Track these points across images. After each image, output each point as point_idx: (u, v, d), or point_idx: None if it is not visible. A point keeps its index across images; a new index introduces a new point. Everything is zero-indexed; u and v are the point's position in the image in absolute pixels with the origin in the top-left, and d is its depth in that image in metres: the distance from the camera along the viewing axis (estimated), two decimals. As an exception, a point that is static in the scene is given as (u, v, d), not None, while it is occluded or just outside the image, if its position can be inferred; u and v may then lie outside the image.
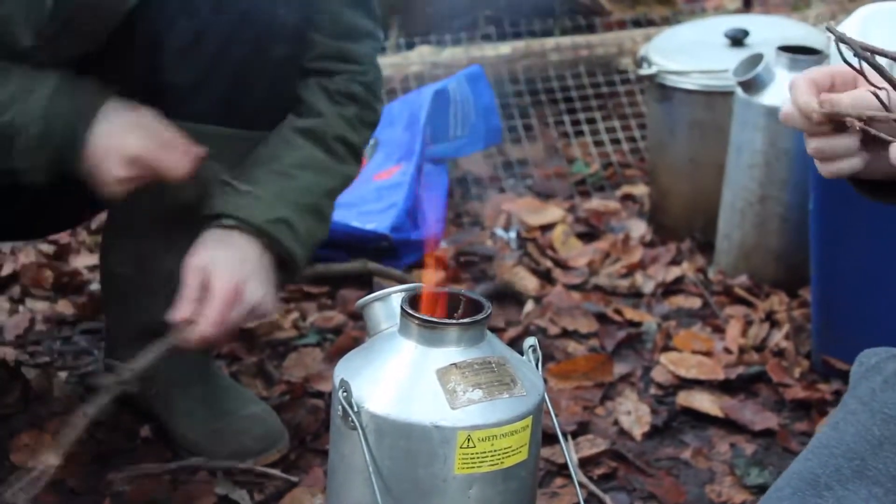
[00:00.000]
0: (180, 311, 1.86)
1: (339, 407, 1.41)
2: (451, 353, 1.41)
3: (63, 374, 2.38)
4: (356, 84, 2.04)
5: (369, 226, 2.86)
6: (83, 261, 2.88)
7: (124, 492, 2.05)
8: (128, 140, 1.82)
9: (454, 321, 1.42)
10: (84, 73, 1.85)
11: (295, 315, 2.66)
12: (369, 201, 2.94)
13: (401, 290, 1.50)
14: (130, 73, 1.91)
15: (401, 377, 1.41)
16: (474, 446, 1.38)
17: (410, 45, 3.90)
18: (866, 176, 1.49)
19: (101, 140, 1.80)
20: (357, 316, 2.65)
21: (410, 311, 1.43)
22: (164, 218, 1.99)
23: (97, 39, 1.85)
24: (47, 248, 2.91)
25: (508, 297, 2.73)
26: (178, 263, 1.89)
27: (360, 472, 1.41)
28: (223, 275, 1.86)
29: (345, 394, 1.40)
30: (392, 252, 2.86)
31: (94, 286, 2.74)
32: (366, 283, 2.75)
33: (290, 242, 1.92)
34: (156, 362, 1.91)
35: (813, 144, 1.41)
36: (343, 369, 1.45)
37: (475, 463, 1.39)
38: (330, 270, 2.10)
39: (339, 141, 2.01)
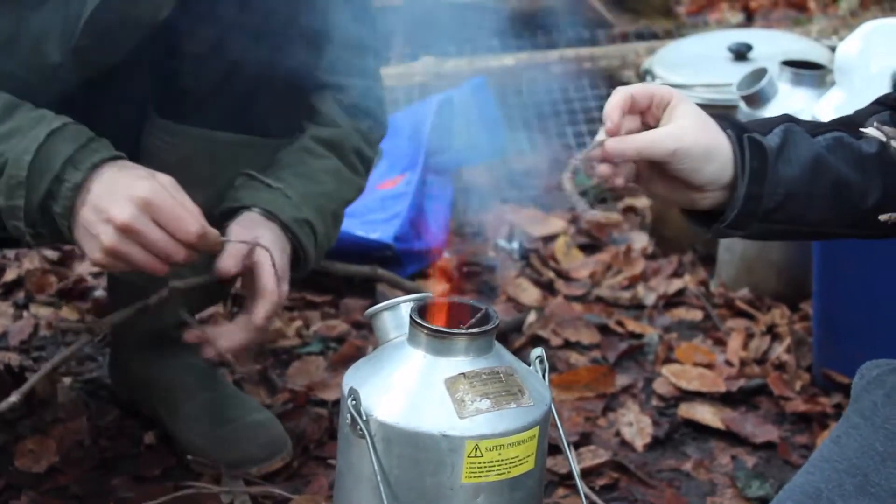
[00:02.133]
0: (225, 265, 1.83)
1: (348, 415, 1.41)
2: (459, 363, 1.42)
3: (67, 380, 2.38)
4: (370, 99, 2.07)
5: (373, 235, 2.87)
6: (87, 267, 2.89)
7: (128, 498, 2.05)
8: (138, 183, 1.69)
9: (463, 331, 1.43)
10: (101, 85, 1.85)
11: (298, 323, 2.66)
12: (373, 211, 2.95)
13: (409, 300, 1.51)
14: (147, 80, 1.92)
15: (409, 386, 1.42)
16: (482, 455, 1.39)
17: (414, 56, 3.91)
18: (688, 207, 1.54)
19: (105, 184, 1.69)
20: (360, 325, 2.66)
21: (419, 321, 1.44)
22: None
23: (123, 52, 1.85)
24: (52, 254, 2.92)
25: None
26: (183, 271, 1.90)
27: (367, 480, 1.42)
28: (274, 251, 1.85)
29: (353, 402, 1.41)
30: (395, 261, 2.86)
31: (99, 292, 2.75)
32: (369, 292, 2.76)
33: (309, 245, 1.92)
34: (131, 316, 1.91)
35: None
36: (352, 378, 1.46)
37: (482, 472, 1.40)
38: (340, 270, 2.11)
39: (356, 154, 2.03)
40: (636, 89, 1.51)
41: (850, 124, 1.56)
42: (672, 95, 1.52)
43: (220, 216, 1.90)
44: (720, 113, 1.56)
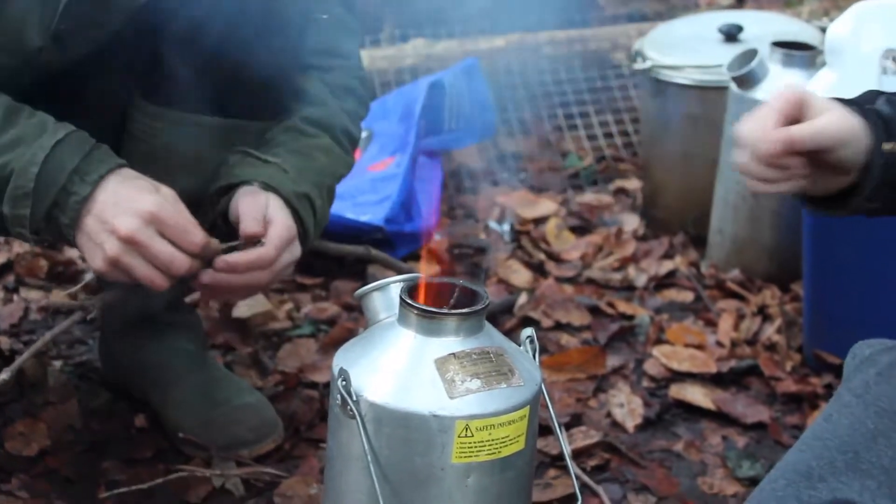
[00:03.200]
0: (250, 226, 1.81)
1: (338, 396, 1.41)
2: (449, 343, 1.42)
3: (58, 364, 2.38)
4: (353, 79, 2.06)
5: (364, 217, 2.86)
6: (78, 251, 2.88)
7: (119, 480, 2.05)
8: (143, 196, 1.70)
9: (453, 311, 1.43)
10: (85, 69, 1.84)
11: (289, 306, 2.66)
12: (364, 193, 2.94)
13: (399, 281, 1.51)
14: (131, 65, 1.91)
15: (399, 367, 1.42)
16: (472, 435, 1.39)
17: (405, 38, 3.90)
18: (809, 192, 1.55)
19: (110, 195, 1.70)
20: (351, 307, 2.66)
21: (409, 301, 1.43)
22: None
23: (104, 36, 1.84)
24: (42, 237, 2.91)
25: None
26: None
27: (358, 460, 1.42)
28: (283, 214, 1.84)
29: (344, 383, 1.41)
30: (386, 243, 2.86)
31: (89, 276, 2.74)
32: (360, 274, 2.76)
33: (309, 219, 1.90)
34: (125, 294, 1.90)
35: (761, 171, 1.49)
36: (342, 358, 1.45)
37: (473, 452, 1.40)
38: (333, 249, 2.10)
39: (344, 133, 2.02)
40: (780, 104, 1.50)
41: None
42: (801, 100, 1.52)
43: (216, 193, 1.89)
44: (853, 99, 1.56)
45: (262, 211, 1.82)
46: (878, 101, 1.54)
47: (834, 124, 1.49)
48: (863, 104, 1.54)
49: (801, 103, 1.51)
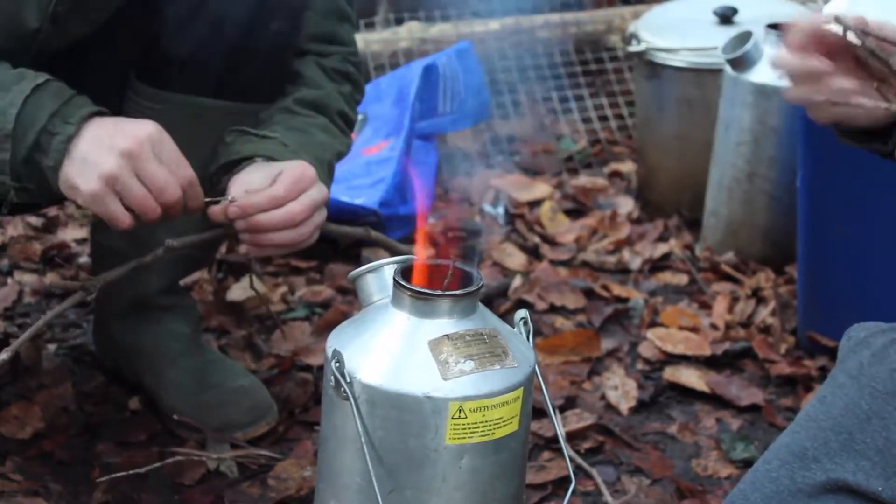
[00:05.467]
0: (254, 184, 1.81)
1: (332, 377, 1.41)
2: (443, 325, 1.42)
3: (52, 347, 2.38)
4: (349, 64, 2.07)
5: (358, 200, 2.86)
6: (71, 234, 2.89)
7: (113, 463, 2.05)
8: (140, 123, 1.70)
9: (446, 293, 1.43)
10: (83, 51, 1.84)
11: (283, 289, 2.66)
12: (358, 176, 2.94)
13: (393, 262, 1.50)
14: (128, 47, 1.90)
15: (393, 348, 1.41)
16: (466, 417, 1.39)
17: (399, 21, 3.89)
18: (848, 124, 1.53)
19: (105, 126, 1.68)
20: (345, 290, 2.66)
21: (403, 283, 1.43)
22: None
23: (102, 18, 1.83)
24: (35, 220, 2.91)
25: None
26: (170, 236, 1.89)
27: (351, 442, 1.42)
28: (295, 164, 1.84)
29: (337, 364, 1.40)
30: (380, 227, 2.86)
31: (83, 259, 2.75)
32: (354, 258, 2.76)
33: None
34: (123, 274, 1.90)
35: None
36: (336, 340, 1.45)
37: (466, 434, 1.40)
38: (333, 230, 2.09)
39: (340, 115, 2.02)
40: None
41: None
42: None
43: (216, 173, 1.89)
44: None
45: (271, 176, 1.81)
46: None
47: None
48: None
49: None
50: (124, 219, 1.70)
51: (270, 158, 1.85)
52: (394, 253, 2.07)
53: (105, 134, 1.67)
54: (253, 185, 1.81)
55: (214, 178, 1.89)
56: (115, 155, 1.65)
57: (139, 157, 1.66)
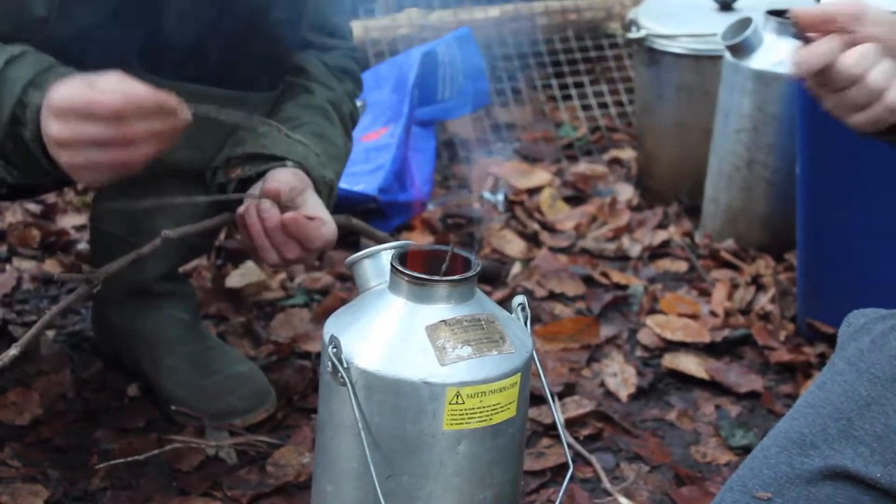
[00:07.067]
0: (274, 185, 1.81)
1: (329, 363, 1.41)
2: (440, 310, 1.42)
3: (50, 333, 2.38)
4: (350, 60, 2.08)
5: (357, 187, 2.86)
6: (70, 220, 2.88)
7: (112, 449, 2.05)
8: (55, 93, 1.54)
9: (443, 278, 1.42)
10: (85, 40, 1.83)
11: (282, 276, 2.66)
12: (357, 163, 2.93)
13: (390, 248, 1.50)
14: (131, 35, 1.90)
15: (390, 334, 1.41)
16: (463, 402, 1.39)
17: (399, 7, 3.88)
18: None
19: (78, 81, 1.55)
20: (344, 276, 2.66)
21: (400, 268, 1.43)
22: (157, 178, 1.99)
23: (108, 7, 1.82)
24: (34, 207, 2.91)
25: (490, 277, 2.72)
26: (169, 224, 1.89)
27: (348, 427, 1.42)
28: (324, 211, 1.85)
29: (334, 350, 1.40)
30: (380, 213, 2.86)
31: (82, 245, 2.74)
32: (353, 245, 2.75)
33: (329, 206, 1.91)
34: (124, 266, 1.89)
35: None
36: (333, 325, 1.45)
37: (464, 419, 1.40)
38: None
39: (350, 117, 2.06)
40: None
41: None
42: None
43: (238, 158, 1.90)
44: None
45: (301, 187, 1.82)
46: None
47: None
48: None
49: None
50: (100, 176, 1.56)
51: (300, 165, 1.87)
52: (375, 241, 2.08)
53: (77, 85, 1.54)
54: (291, 189, 1.82)
55: (233, 161, 1.89)
56: (56, 118, 1.53)
57: (78, 112, 1.52)
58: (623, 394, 2.31)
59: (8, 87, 1.60)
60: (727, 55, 2.80)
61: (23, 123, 1.60)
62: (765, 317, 2.59)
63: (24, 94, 1.59)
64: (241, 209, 1.85)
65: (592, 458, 2.10)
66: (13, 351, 1.73)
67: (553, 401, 1.66)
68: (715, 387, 2.36)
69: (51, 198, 2.94)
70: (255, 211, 1.82)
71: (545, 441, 2.15)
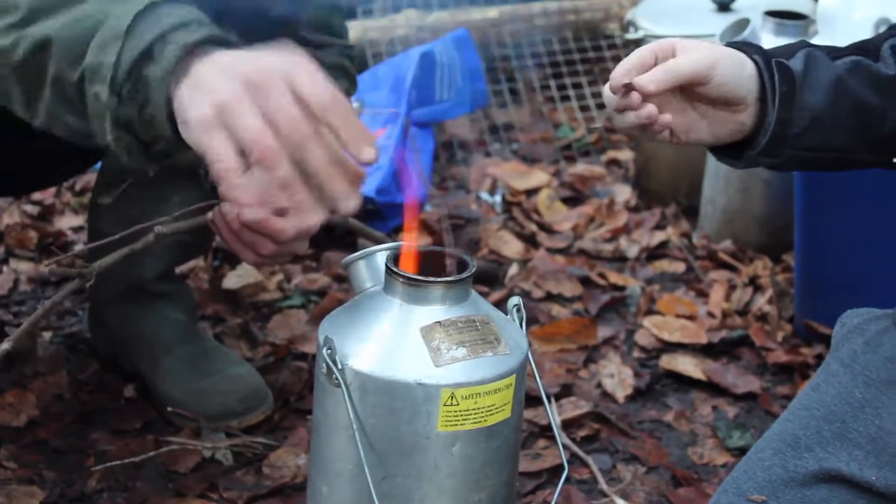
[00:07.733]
0: None
1: (324, 364, 1.41)
2: (435, 312, 1.41)
3: (47, 335, 2.38)
4: (345, 58, 2.07)
5: (355, 188, 2.85)
6: (67, 222, 2.88)
7: (108, 451, 2.05)
8: (223, 85, 1.32)
9: (438, 279, 1.42)
10: None
11: (279, 277, 2.66)
12: (354, 164, 2.93)
13: (386, 249, 1.50)
14: None
15: (385, 335, 1.41)
16: (458, 404, 1.38)
17: (397, 8, 3.88)
18: (716, 142, 1.50)
19: (197, 74, 1.34)
20: (341, 278, 2.66)
21: (395, 270, 1.43)
22: (156, 178, 1.98)
23: None
24: (31, 208, 2.91)
25: (488, 278, 2.72)
26: (167, 223, 1.88)
27: (343, 429, 1.42)
28: None
29: (329, 351, 1.40)
30: (377, 214, 2.86)
31: (79, 247, 2.74)
32: (350, 245, 2.75)
33: None
34: (119, 260, 1.89)
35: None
36: (327, 327, 1.45)
37: (458, 421, 1.39)
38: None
39: None
40: (641, 52, 1.45)
41: (866, 49, 1.51)
42: (673, 43, 1.46)
43: None
44: (741, 42, 1.51)
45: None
46: (798, 54, 1.47)
47: (703, 54, 1.43)
48: (768, 54, 1.47)
49: (673, 47, 1.45)
50: (228, 161, 1.30)
51: None
52: (372, 241, 2.08)
53: (229, 60, 1.36)
54: None
55: None
56: (234, 81, 1.32)
57: (262, 87, 1.33)
58: (620, 395, 2.31)
59: (156, 20, 1.37)
60: (725, 56, 2.79)
61: (156, 60, 1.35)
62: (762, 318, 2.59)
63: (172, 32, 1.36)
64: (208, 216, 1.81)
65: (589, 460, 2.09)
66: (5, 345, 1.73)
67: (549, 402, 1.65)
68: (712, 388, 2.36)
69: (48, 199, 2.94)
70: (220, 215, 1.79)
71: (542, 442, 2.15)
